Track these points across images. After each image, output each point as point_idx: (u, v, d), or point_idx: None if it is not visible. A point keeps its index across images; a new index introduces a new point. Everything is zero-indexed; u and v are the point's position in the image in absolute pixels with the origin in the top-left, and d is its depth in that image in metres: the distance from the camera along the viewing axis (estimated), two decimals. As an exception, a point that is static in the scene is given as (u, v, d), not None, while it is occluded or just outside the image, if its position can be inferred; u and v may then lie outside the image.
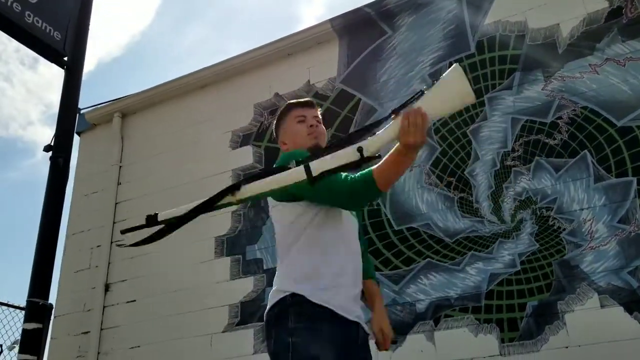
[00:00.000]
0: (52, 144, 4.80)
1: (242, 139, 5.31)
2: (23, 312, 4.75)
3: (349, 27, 5.09)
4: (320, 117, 2.26)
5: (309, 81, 5.17)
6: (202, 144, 5.53)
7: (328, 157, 1.78)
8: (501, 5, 4.49)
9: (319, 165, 1.77)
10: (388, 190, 1.95)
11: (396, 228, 4.23)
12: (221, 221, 5.05)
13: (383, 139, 1.77)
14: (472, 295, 3.79)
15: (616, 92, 3.83)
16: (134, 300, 5.21)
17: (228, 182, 5.15)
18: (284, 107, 2.35)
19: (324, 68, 5.13)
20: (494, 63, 4.35)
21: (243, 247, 4.85)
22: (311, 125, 2.20)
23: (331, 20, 5.13)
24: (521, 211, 3.85)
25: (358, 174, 1.84)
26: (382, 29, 4.97)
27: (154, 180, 5.65)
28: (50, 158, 4.67)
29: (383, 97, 4.72)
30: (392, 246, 4.19)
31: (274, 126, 2.37)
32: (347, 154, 1.77)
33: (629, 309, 3.32)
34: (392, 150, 1.80)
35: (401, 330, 3.91)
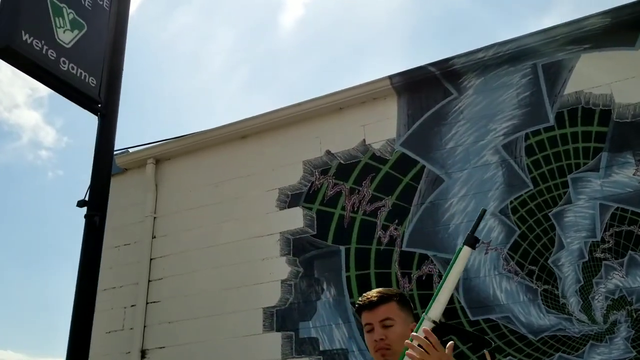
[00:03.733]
0: (86, 199, 4.48)
1: (290, 199, 4.98)
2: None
3: (409, 85, 4.77)
4: (392, 317, 1.92)
5: (364, 140, 4.85)
6: (244, 201, 5.20)
7: None
8: (582, 74, 4.17)
9: None
10: None
11: (472, 318, 3.92)
12: (269, 290, 4.73)
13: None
14: (561, 404, 3.49)
15: None
16: (174, 371, 4.89)
17: (275, 246, 4.84)
18: (364, 302, 2.04)
19: (381, 127, 4.81)
20: (576, 139, 4.04)
21: (296, 322, 4.53)
22: (376, 340, 1.91)
23: (390, 76, 4.80)
24: (615, 312, 3.55)
25: None
26: (446, 89, 4.65)
27: (192, 236, 5.32)
28: (86, 216, 4.35)
29: (450, 166, 4.40)
30: (467, 339, 3.87)
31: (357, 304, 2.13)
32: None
33: None
34: None
35: None
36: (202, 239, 5.25)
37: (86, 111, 4.38)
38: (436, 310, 1.68)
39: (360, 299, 2.05)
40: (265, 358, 4.50)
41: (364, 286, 4.34)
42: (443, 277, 1.71)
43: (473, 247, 1.74)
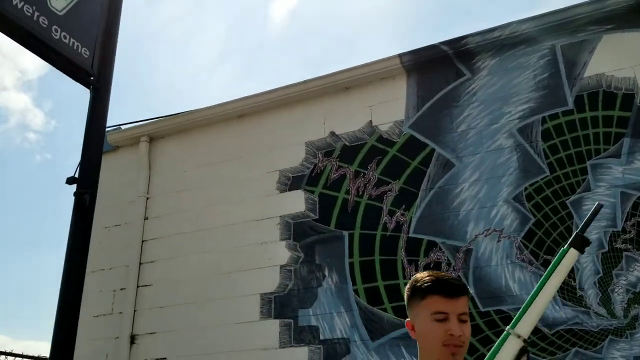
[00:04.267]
0: (76, 175, 4.23)
1: (291, 182, 4.75)
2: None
3: (420, 64, 4.54)
4: (467, 313, 1.60)
5: (370, 122, 4.62)
6: (242, 182, 4.96)
7: None
8: (604, 56, 3.96)
9: None
10: None
11: (482, 309, 3.72)
12: (267, 275, 4.51)
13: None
14: (577, 401, 3.30)
15: None
16: (165, 359, 4.65)
17: (275, 230, 4.61)
18: (420, 281, 1.64)
19: (389, 108, 4.58)
20: (597, 124, 3.83)
21: (295, 310, 4.31)
22: (451, 335, 1.59)
23: (400, 55, 4.57)
24: (636, 306, 3.36)
25: None
26: (459, 70, 4.42)
27: (186, 218, 5.08)
28: (75, 194, 4.10)
29: (462, 150, 4.18)
30: (477, 331, 3.68)
31: (405, 292, 1.72)
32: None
33: None
34: None
35: None
36: (197, 221, 5.01)
37: (76, 93, 4.12)
38: (527, 326, 1.36)
39: (431, 278, 1.65)
40: (262, 346, 4.29)
41: (368, 273, 4.13)
42: (537, 286, 1.42)
43: (582, 250, 1.41)
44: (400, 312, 3.92)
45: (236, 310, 4.48)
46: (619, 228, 3.55)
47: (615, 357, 3.29)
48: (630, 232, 3.51)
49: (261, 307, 4.42)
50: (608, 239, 3.56)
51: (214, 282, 4.68)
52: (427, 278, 1.66)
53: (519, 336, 1.32)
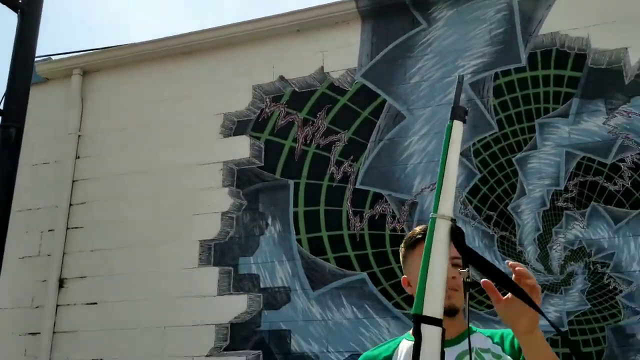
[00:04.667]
0: (0, 107, 3.92)
1: (236, 126, 4.55)
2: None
3: (377, 10, 4.38)
4: (460, 258, 1.60)
5: (322, 68, 4.45)
6: (184, 124, 4.71)
7: None
8: (560, 14, 3.93)
9: None
10: None
11: (424, 262, 3.73)
12: (208, 222, 4.35)
13: None
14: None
15: (690, 141, 3.44)
16: (95, 303, 4.47)
17: (217, 176, 4.44)
18: (411, 235, 1.70)
19: (342, 54, 4.42)
20: (548, 83, 3.83)
21: (235, 257, 4.20)
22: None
23: (356, -1, 4.38)
24: (572, 263, 3.46)
25: None
26: (415, 19, 4.29)
27: (122, 159, 4.80)
28: (0, 127, 3.82)
29: (413, 103, 4.11)
30: (418, 283, 3.70)
31: (400, 251, 1.75)
32: None
33: (691, 393, 3.05)
34: None
35: (424, 381, 3.48)
36: (134, 163, 4.75)
37: (2, 17, 3.72)
38: (447, 204, 1.27)
39: (421, 229, 1.69)
40: (200, 293, 4.18)
41: (312, 223, 4.06)
42: (440, 167, 1.38)
43: (464, 119, 1.34)
44: (343, 263, 3.89)
45: (173, 256, 4.33)
46: (562, 187, 3.61)
47: (549, 312, 3.39)
48: (572, 191, 3.58)
49: (200, 254, 4.29)
50: (550, 197, 3.61)
51: (150, 226, 4.49)
52: (418, 230, 1.71)
53: (443, 216, 1.25)
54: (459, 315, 1.67)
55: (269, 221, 4.18)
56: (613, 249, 3.40)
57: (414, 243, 1.70)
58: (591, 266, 3.41)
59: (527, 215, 3.63)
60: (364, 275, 3.81)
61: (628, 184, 3.48)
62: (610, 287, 3.34)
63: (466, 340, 1.60)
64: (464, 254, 1.37)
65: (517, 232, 3.62)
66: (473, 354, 1.56)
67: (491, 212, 3.70)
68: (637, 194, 3.45)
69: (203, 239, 4.32)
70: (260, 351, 3.90)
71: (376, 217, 3.92)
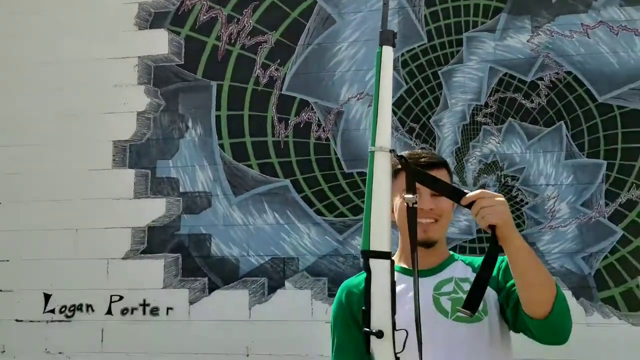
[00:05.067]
0: None
1: (153, 18, 4.20)
2: None
3: None
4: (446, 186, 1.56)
5: (248, -40, 4.13)
6: (93, 11, 4.28)
7: None
8: None
9: None
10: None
11: (346, 171, 3.78)
12: (122, 122, 4.11)
13: None
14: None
15: (604, 64, 3.59)
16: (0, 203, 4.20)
17: (132, 72, 4.15)
18: (400, 159, 1.59)
19: (270, -53, 4.11)
20: (479, -5, 3.80)
21: (153, 160, 4.04)
22: (421, 209, 1.51)
23: None
24: (485, 175, 3.63)
25: None
26: None
27: (19, 46, 4.32)
28: None
29: (345, 6, 3.95)
30: (339, 190, 3.76)
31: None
32: None
33: (576, 295, 3.40)
34: None
35: (341, 283, 3.64)
36: (34, 52, 4.30)
37: None
38: (385, 135, 1.28)
39: (402, 155, 1.55)
40: (115, 195, 4.02)
41: (236, 128, 3.94)
42: (374, 96, 1.34)
43: (394, 44, 1.35)
44: (266, 169, 3.86)
45: (86, 156, 4.09)
46: (482, 102, 3.70)
47: (459, 220, 3.59)
48: (492, 107, 3.68)
49: (114, 155, 4.07)
50: (471, 112, 3.70)
51: (57, 124, 4.17)
52: (404, 154, 1.62)
53: (382, 148, 1.27)
54: (439, 245, 1.65)
55: (189, 124, 4.01)
56: (524, 164, 3.59)
57: (396, 174, 1.55)
58: (502, 179, 3.60)
59: (448, 128, 3.72)
60: (287, 182, 3.81)
61: (544, 102, 3.63)
62: (518, 199, 3.55)
63: (446, 270, 1.64)
64: (411, 175, 1.37)
65: (437, 145, 3.71)
66: (452, 283, 1.59)
67: (414, 124, 3.75)
68: (551, 112, 3.61)
69: (117, 139, 4.09)
70: (179, 254, 3.88)
71: (301, 125, 3.86)
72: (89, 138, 4.11)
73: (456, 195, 1.42)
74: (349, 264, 3.67)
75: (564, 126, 3.58)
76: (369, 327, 1.23)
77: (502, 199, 1.39)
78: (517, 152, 3.61)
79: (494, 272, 1.55)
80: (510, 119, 3.64)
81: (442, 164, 1.68)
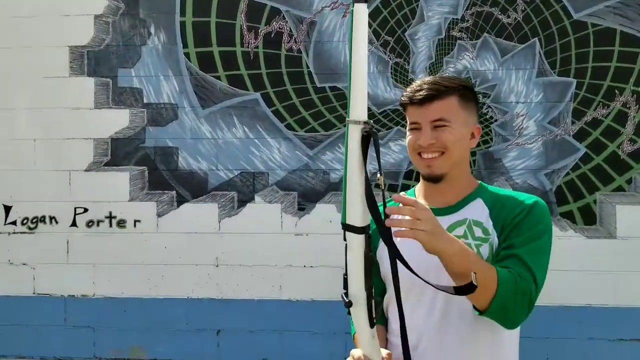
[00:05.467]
0: None
1: None
2: None
3: None
4: (446, 119, 1.51)
5: None
6: None
7: None
8: None
9: None
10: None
11: (318, 85, 3.69)
12: (78, 25, 3.84)
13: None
14: (390, 173, 3.64)
15: (582, -21, 3.53)
16: (-53, 112, 3.93)
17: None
18: (403, 94, 1.63)
19: None
20: None
21: (114, 68, 3.82)
22: (422, 145, 1.52)
23: None
24: (457, 92, 3.60)
25: None
26: None
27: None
28: None
29: None
30: (311, 105, 3.69)
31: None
32: None
33: (538, 209, 3.53)
34: None
35: (311, 197, 3.68)
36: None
37: None
38: (359, 108, 1.24)
39: (409, 89, 1.57)
40: (74, 105, 3.83)
41: (201, 36, 3.74)
42: (349, 62, 1.28)
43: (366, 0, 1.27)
44: (234, 81, 3.72)
45: (40, 63, 3.83)
46: (459, 16, 3.61)
47: (430, 137, 3.60)
48: (468, 21, 3.60)
49: (71, 62, 3.83)
50: (447, 25, 3.62)
51: (8, 26, 3.86)
52: (407, 89, 1.61)
53: (356, 122, 1.24)
54: (454, 180, 1.54)
55: (152, 30, 3.78)
56: (496, 81, 3.59)
57: (404, 107, 1.61)
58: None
59: (423, 43, 3.64)
60: (257, 95, 3.70)
61: (520, 17, 3.57)
62: (488, 116, 3.58)
63: (462, 210, 1.53)
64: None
65: (410, 60, 3.65)
66: (464, 227, 1.50)
67: (389, 37, 3.65)
68: (526, 29, 3.57)
69: (74, 44, 3.83)
70: (145, 167, 3.79)
71: (272, 35, 3.70)
72: (42, 42, 3.84)
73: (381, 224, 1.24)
74: (319, 178, 3.68)
75: (537, 43, 3.56)
76: (347, 291, 1.28)
77: (416, 216, 1.24)
78: (490, 69, 3.60)
79: (503, 235, 1.48)
80: (485, 34, 3.59)
81: (448, 91, 1.51)
